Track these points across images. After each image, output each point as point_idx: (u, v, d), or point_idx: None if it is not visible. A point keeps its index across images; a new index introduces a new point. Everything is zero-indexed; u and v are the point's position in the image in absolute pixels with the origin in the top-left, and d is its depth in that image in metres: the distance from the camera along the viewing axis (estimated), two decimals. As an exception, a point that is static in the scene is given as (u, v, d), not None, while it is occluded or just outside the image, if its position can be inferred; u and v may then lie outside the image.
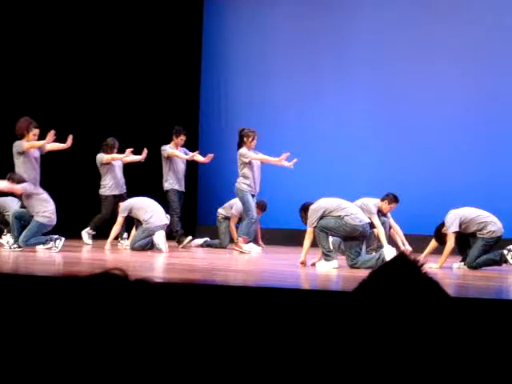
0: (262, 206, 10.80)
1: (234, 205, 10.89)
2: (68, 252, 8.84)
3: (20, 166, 9.59)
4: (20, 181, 8.96)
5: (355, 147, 11.95)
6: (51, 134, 9.65)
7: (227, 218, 11.03)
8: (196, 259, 9.42)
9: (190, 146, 13.09)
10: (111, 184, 10.67)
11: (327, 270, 7.72)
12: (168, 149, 10.78)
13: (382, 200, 9.55)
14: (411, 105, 11.85)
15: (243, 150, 10.24)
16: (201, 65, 13.49)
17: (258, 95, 12.97)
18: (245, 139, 10.27)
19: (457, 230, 8.29)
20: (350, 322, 1.31)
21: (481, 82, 11.43)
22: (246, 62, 13.13)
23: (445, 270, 7.99)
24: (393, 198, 9.60)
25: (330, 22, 12.48)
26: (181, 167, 10.88)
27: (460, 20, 11.57)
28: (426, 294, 1.30)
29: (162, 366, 1.14)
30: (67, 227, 9.55)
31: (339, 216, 7.92)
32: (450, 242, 8.26)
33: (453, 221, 8.30)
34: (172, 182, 10.70)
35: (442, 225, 8.46)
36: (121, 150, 10.80)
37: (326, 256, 7.96)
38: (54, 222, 8.99)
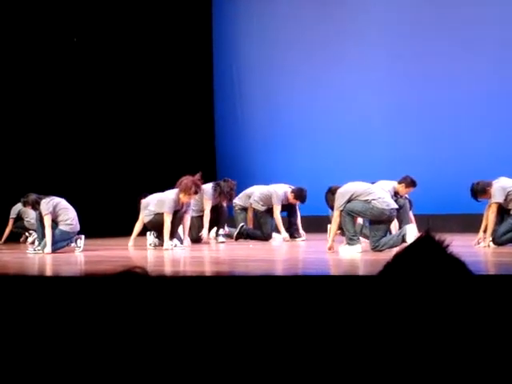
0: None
1: (252, 195, 10.76)
2: (91, 251, 8.89)
3: None
4: (34, 203, 8.96)
5: (371, 130, 11.90)
6: None
7: (244, 209, 10.88)
8: (218, 251, 9.43)
9: (206, 136, 13.07)
10: None
11: (351, 255, 7.70)
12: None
13: (400, 183, 9.53)
14: (428, 84, 11.76)
15: None
16: (212, 55, 13.44)
17: (271, 82, 12.92)
18: None
19: (500, 201, 8.21)
20: (376, 305, 1.29)
21: (503, 59, 11.31)
22: (258, 49, 13.07)
23: (470, 247, 7.94)
24: (410, 182, 9.55)
25: (345, 6, 12.40)
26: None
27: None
28: (452, 275, 1.28)
29: (188, 357, 1.14)
30: (89, 226, 9.58)
31: (366, 200, 7.90)
32: (493, 210, 8.20)
33: (499, 191, 8.21)
34: None
35: (477, 184, 8.40)
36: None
37: (350, 240, 7.94)
38: (77, 228, 9.02)
